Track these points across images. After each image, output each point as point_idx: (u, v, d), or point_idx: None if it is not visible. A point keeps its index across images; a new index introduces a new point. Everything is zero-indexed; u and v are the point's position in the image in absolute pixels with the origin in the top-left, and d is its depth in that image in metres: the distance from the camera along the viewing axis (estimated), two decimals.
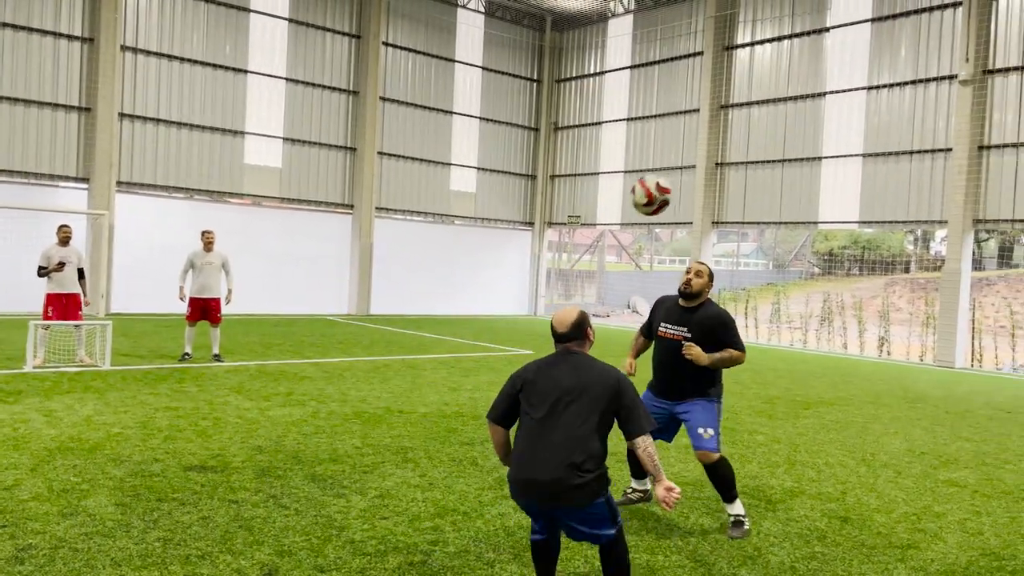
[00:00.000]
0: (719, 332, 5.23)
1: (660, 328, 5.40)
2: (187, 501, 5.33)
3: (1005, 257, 42.85)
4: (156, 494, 5.44)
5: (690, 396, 5.25)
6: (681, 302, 5.35)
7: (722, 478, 5.18)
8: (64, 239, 10.99)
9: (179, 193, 20.88)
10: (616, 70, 25.57)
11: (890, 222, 19.27)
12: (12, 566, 4.12)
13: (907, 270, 45.14)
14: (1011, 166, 16.90)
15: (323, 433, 7.55)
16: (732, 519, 5.20)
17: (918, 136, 18.43)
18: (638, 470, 5.69)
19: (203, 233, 11.93)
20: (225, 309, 12.18)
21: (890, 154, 18.90)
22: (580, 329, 3.88)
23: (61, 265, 10.76)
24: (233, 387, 9.83)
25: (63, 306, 10.89)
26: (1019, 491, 6.72)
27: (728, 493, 5.19)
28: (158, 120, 20.31)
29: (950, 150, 17.66)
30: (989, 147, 17.18)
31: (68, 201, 19.09)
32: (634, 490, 5.75)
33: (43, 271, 10.82)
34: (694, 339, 5.19)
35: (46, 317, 10.85)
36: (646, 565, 4.60)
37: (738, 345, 5.25)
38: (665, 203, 5.80)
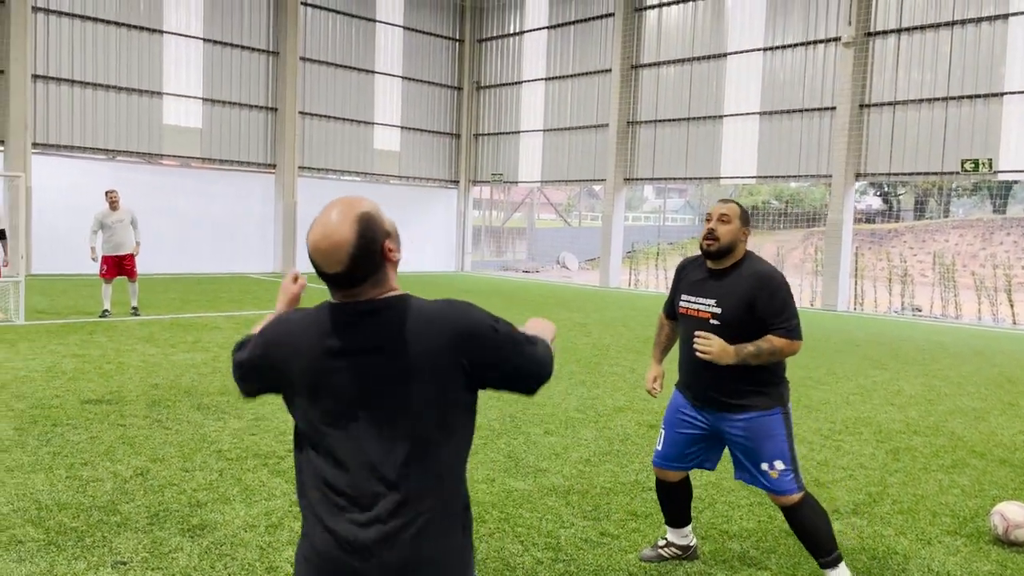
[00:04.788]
0: (760, 303, 3.50)
1: (681, 302, 3.77)
2: (79, 426, 6.11)
3: (919, 210, 45.16)
4: (52, 421, 6.21)
5: (739, 406, 3.57)
6: (709, 263, 3.69)
7: (812, 527, 3.60)
8: None
9: (99, 155, 21.02)
10: (534, 30, 26.22)
11: (783, 176, 20.57)
12: None
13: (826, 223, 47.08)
14: (888, 123, 18.23)
15: (219, 373, 8.34)
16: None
17: (808, 95, 19.64)
18: (677, 514, 4.01)
19: (107, 193, 12.42)
20: (146, 267, 12.70)
21: (783, 112, 20.10)
22: (369, 258, 1.88)
23: None
24: (143, 337, 10.51)
25: None
26: (817, 404, 7.91)
27: (822, 548, 3.60)
28: (73, 81, 20.34)
29: (835, 108, 18.91)
30: (870, 105, 18.47)
31: None
32: (668, 543, 4.06)
33: None
34: (725, 315, 3.54)
35: None
36: None
37: (788, 328, 3.49)
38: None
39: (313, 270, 1.92)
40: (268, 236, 24.16)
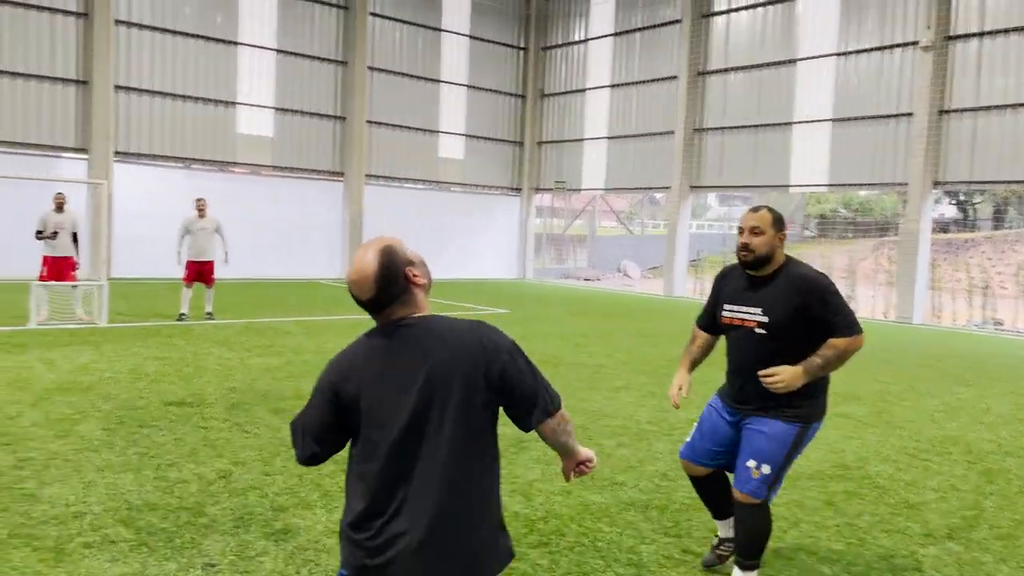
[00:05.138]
0: (812, 309, 3.49)
1: (724, 312, 3.75)
2: (164, 427, 6.28)
3: (997, 219, 43.44)
4: (138, 422, 6.39)
5: (764, 410, 3.61)
6: (750, 271, 3.68)
7: (756, 531, 3.67)
8: (58, 206, 11.90)
9: (175, 163, 21.72)
10: (599, 37, 26.12)
11: (856, 184, 20.01)
12: (13, 471, 5.07)
13: (899, 232, 45.65)
14: (969, 130, 17.56)
15: (293, 378, 8.49)
16: None
17: (883, 101, 19.06)
18: (717, 506, 4.01)
19: (196, 201, 12.89)
20: (220, 272, 13.11)
21: (857, 118, 19.55)
22: (392, 282, 2.22)
23: (55, 234, 11.73)
24: (219, 341, 10.78)
25: (57, 268, 11.88)
26: (900, 421, 7.63)
27: (751, 553, 3.69)
28: (153, 92, 21.07)
29: (912, 114, 18.31)
30: (949, 111, 17.83)
31: (68, 171, 19.96)
32: (721, 541, 4.04)
33: (40, 235, 11.78)
34: (772, 324, 3.54)
35: (41, 277, 11.84)
36: None
37: (847, 326, 3.48)
38: None
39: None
40: (335, 242, 24.59)
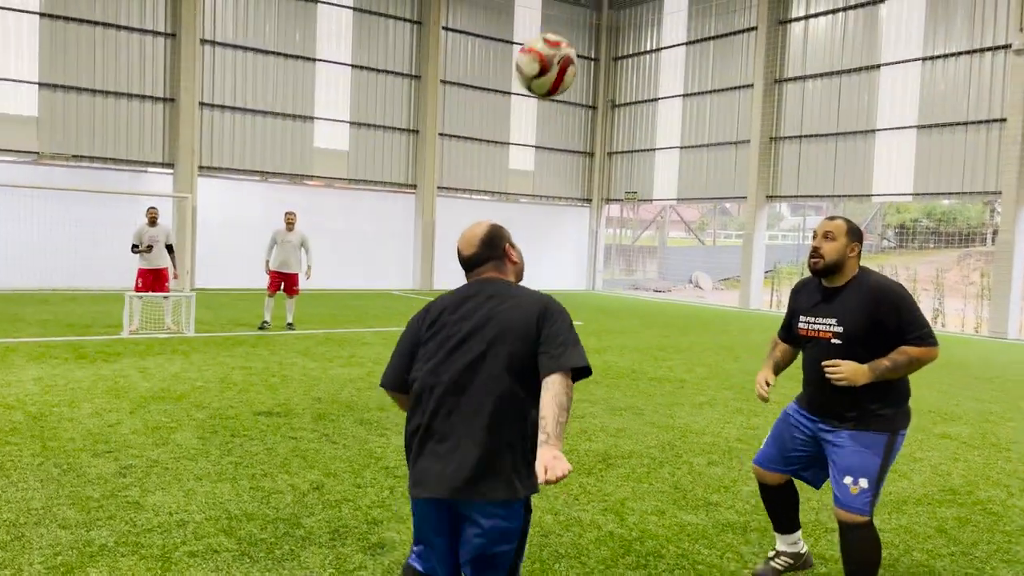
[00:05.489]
0: (887, 318, 3.45)
1: (800, 324, 3.73)
2: (255, 437, 6.39)
3: None
4: (231, 431, 6.52)
5: (844, 420, 3.55)
6: (824, 282, 3.66)
7: (864, 555, 3.50)
8: (152, 220, 12.32)
9: (255, 176, 22.35)
10: (672, 47, 25.86)
11: (943, 194, 19.22)
12: (117, 479, 5.22)
13: (985, 242, 43.85)
14: None
15: (375, 389, 8.55)
16: None
17: (973, 107, 18.32)
18: (782, 519, 3.97)
19: (286, 214, 13.21)
20: (300, 284, 13.39)
21: (945, 125, 18.82)
22: (493, 246, 2.80)
23: (149, 248, 12.15)
24: (301, 351, 10.98)
25: (152, 279, 12.29)
26: (1006, 443, 7.23)
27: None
28: (235, 108, 21.75)
29: (1005, 120, 17.53)
30: None
31: (155, 185, 20.75)
32: (778, 553, 3.99)
33: (135, 249, 12.21)
34: (847, 334, 3.50)
35: (137, 289, 12.26)
36: None
37: (920, 335, 3.43)
38: (567, 61, 3.90)
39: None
40: (408, 254, 24.88)
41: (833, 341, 3.55)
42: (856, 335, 3.49)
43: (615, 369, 10.51)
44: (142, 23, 20.42)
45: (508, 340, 2.59)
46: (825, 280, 3.64)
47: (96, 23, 19.81)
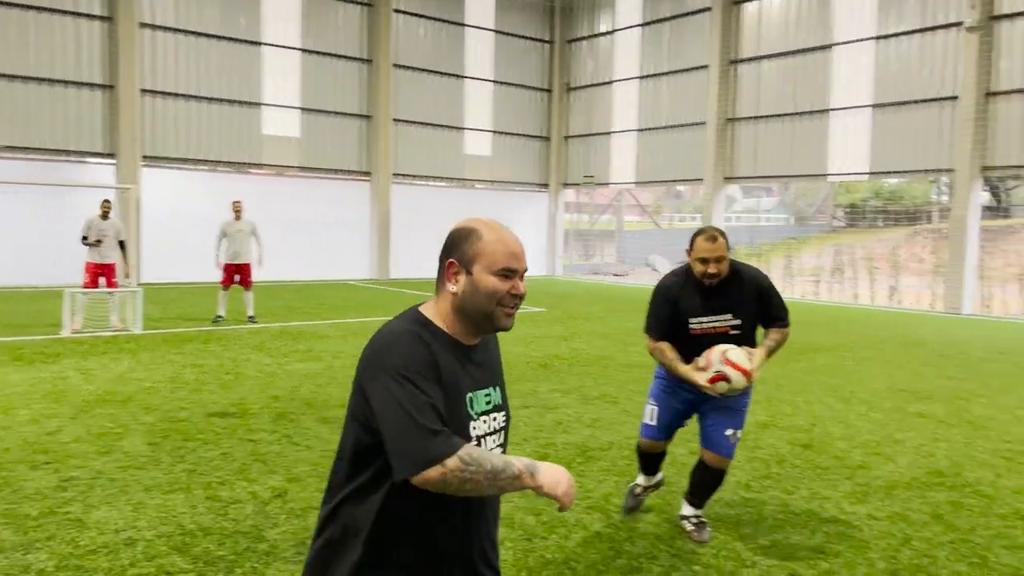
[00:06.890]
0: (765, 305, 4.12)
1: (692, 326, 4.08)
2: (210, 440, 5.96)
3: None
4: (183, 435, 6.08)
5: None
6: (706, 281, 4.04)
7: (713, 486, 4.31)
8: (104, 213, 11.68)
9: (202, 165, 21.54)
10: (626, 28, 25.62)
11: (899, 172, 19.40)
12: (56, 493, 4.77)
13: (931, 220, 44.76)
14: (1018, 112, 16.91)
15: (335, 383, 8.16)
16: (697, 520, 4.36)
17: (926, 84, 18.44)
18: (654, 468, 4.64)
19: (233, 203, 12.70)
20: (253, 274, 12.88)
21: (899, 104, 18.94)
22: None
23: (98, 241, 11.51)
24: (255, 346, 10.49)
25: (100, 274, 11.67)
26: (983, 421, 7.16)
27: (704, 499, 4.37)
28: (178, 95, 20.89)
29: (957, 98, 17.68)
30: (996, 93, 17.19)
31: (97, 176, 19.82)
32: (644, 488, 4.71)
33: (85, 241, 11.58)
34: (745, 324, 4.08)
35: (85, 284, 11.62)
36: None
37: (785, 320, 4.16)
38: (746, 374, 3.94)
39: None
40: (363, 243, 24.31)
41: (732, 333, 4.07)
42: (750, 324, 4.10)
43: (584, 356, 10.26)
44: (76, 6, 19.41)
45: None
46: (709, 281, 4.05)
47: (28, 7, 18.77)
